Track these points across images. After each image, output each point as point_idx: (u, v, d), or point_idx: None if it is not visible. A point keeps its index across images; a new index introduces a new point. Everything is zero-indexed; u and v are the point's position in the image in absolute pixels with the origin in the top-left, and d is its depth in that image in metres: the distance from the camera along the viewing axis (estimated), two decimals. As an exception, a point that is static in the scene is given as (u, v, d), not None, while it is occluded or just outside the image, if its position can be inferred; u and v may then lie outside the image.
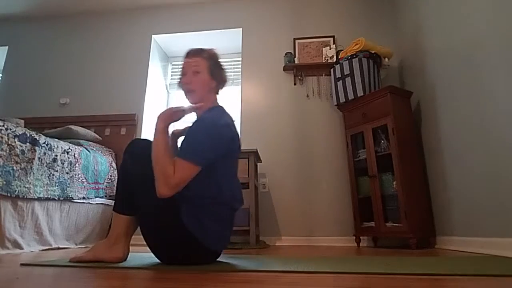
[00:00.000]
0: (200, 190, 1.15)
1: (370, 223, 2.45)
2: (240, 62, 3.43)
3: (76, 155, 2.34)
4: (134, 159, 1.20)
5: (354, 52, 2.74)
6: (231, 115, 1.32)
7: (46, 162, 2.04)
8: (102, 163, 2.71)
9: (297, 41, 3.30)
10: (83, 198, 2.38)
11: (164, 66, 3.85)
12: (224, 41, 3.64)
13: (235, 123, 1.30)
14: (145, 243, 1.19)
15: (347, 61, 2.75)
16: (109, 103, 3.41)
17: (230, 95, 3.65)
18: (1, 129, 1.77)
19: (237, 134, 1.29)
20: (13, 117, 2.54)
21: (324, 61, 3.14)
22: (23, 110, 3.46)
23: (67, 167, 2.23)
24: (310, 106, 3.11)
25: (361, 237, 2.58)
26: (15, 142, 1.84)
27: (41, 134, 2.08)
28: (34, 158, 1.94)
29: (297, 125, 3.07)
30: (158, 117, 1.18)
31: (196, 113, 1.33)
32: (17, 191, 1.81)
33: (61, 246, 2.16)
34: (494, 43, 1.61)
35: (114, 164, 2.93)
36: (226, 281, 0.85)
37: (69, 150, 2.29)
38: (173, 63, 3.95)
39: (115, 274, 0.98)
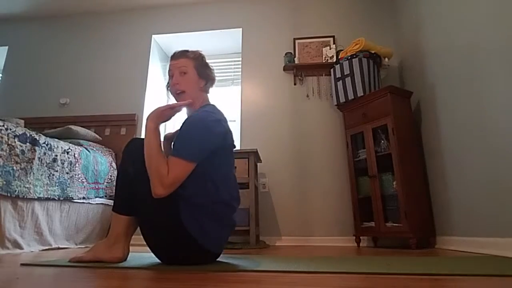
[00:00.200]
0: (197, 189, 1.15)
1: (370, 223, 2.45)
2: (240, 62, 3.43)
3: (76, 155, 2.34)
4: (133, 159, 1.20)
5: (354, 52, 2.74)
6: (223, 112, 1.32)
7: (46, 162, 2.04)
8: (102, 163, 2.71)
9: (297, 41, 3.30)
10: (83, 198, 2.38)
11: (164, 66, 3.85)
12: (224, 41, 3.64)
13: (227, 120, 1.30)
14: (145, 243, 1.19)
15: (347, 61, 2.75)
16: (109, 103, 3.41)
17: (230, 95, 3.65)
18: (1, 129, 1.77)
19: (230, 130, 1.29)
20: (13, 117, 2.54)
21: (324, 61, 3.14)
22: (23, 110, 3.46)
23: (67, 167, 2.23)
24: (310, 106, 3.11)
25: (361, 237, 2.58)
26: (15, 142, 1.84)
27: (41, 134, 2.08)
28: (34, 158, 1.94)
29: (297, 125, 3.07)
30: (148, 118, 1.18)
31: (187, 112, 1.33)
32: (17, 191, 1.81)
33: (61, 246, 2.16)
34: (494, 43, 1.61)
35: (114, 164, 2.93)
36: (226, 281, 0.85)
37: (69, 150, 2.29)
38: (173, 63, 3.94)
39: (115, 274, 0.97)
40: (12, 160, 1.81)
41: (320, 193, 2.86)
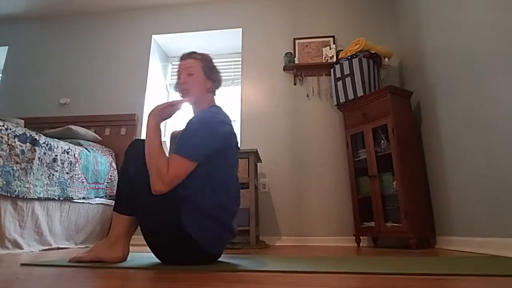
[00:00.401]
0: (197, 189, 1.15)
1: (370, 223, 2.45)
2: (240, 62, 3.43)
3: (76, 155, 2.34)
4: (135, 160, 1.20)
5: (354, 52, 2.74)
6: (229, 114, 1.33)
7: (46, 162, 2.04)
8: (102, 163, 2.71)
9: (297, 41, 3.30)
10: (83, 198, 2.38)
11: (164, 66, 3.86)
12: (224, 41, 3.64)
13: (231, 121, 1.30)
14: (145, 243, 1.19)
15: (347, 61, 2.75)
16: (109, 103, 3.41)
17: (230, 95, 3.65)
18: (1, 129, 1.77)
19: (234, 132, 1.29)
20: (13, 117, 2.54)
21: (324, 61, 3.14)
22: (23, 110, 3.46)
23: (67, 167, 2.23)
24: (310, 106, 3.11)
25: (361, 237, 2.58)
26: (15, 142, 1.84)
27: (41, 134, 2.08)
28: (34, 158, 1.94)
29: (297, 125, 3.07)
30: (149, 115, 1.19)
31: (194, 112, 1.34)
32: (17, 191, 1.81)
33: (61, 246, 2.16)
34: (494, 42, 1.61)
35: (114, 164, 2.93)
36: (226, 281, 0.85)
37: (69, 150, 2.29)
38: (173, 63, 3.95)
39: (115, 274, 0.98)
40: (12, 160, 1.81)
41: (320, 193, 2.86)
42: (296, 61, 3.20)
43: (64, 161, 2.21)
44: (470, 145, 1.85)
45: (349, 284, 0.82)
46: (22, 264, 1.20)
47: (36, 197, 1.94)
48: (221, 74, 1.42)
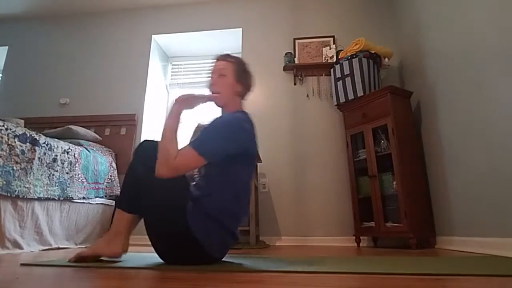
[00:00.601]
0: (210, 191, 1.16)
1: (370, 223, 2.45)
2: (240, 62, 3.42)
3: (76, 155, 2.34)
4: (144, 160, 1.20)
5: (354, 52, 2.74)
6: (253, 122, 1.31)
7: (46, 162, 2.04)
8: (102, 163, 2.71)
9: (297, 41, 3.30)
10: (83, 198, 2.39)
11: (164, 66, 3.86)
12: (224, 41, 3.64)
13: (255, 130, 1.29)
14: (145, 243, 1.19)
15: (347, 61, 2.75)
16: (109, 103, 3.41)
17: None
18: (1, 129, 1.77)
19: (255, 140, 1.28)
20: (13, 117, 2.54)
21: (324, 61, 3.14)
22: (23, 110, 3.46)
23: (67, 167, 2.23)
24: (310, 106, 3.11)
25: (361, 237, 2.58)
26: (15, 142, 1.84)
27: (41, 134, 2.08)
28: (34, 158, 1.94)
29: (297, 125, 3.07)
30: (175, 100, 1.20)
31: (221, 113, 1.35)
32: (17, 191, 1.81)
33: (61, 246, 2.16)
34: (494, 42, 1.61)
35: (114, 164, 2.93)
36: (226, 281, 0.85)
37: (69, 150, 2.29)
38: (173, 63, 3.95)
39: (115, 274, 0.97)
40: (12, 160, 1.81)
41: (320, 193, 2.86)
42: (296, 61, 3.20)
43: (64, 161, 2.21)
44: (470, 145, 1.85)
45: (349, 284, 0.82)
46: (22, 264, 1.20)
47: (36, 197, 1.94)
48: (252, 80, 1.41)
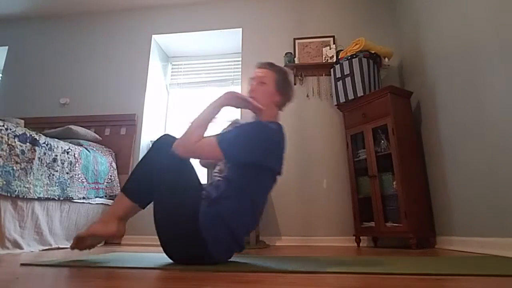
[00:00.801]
0: (228, 198, 1.16)
1: (370, 223, 2.45)
2: (240, 62, 3.43)
3: (76, 155, 2.34)
4: (160, 154, 1.20)
5: (354, 52, 2.74)
6: (285, 136, 1.30)
7: (46, 162, 2.04)
8: (102, 163, 2.71)
9: (297, 41, 3.30)
10: (83, 198, 2.39)
11: (164, 66, 3.86)
12: (224, 41, 3.64)
13: (285, 146, 1.28)
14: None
15: (347, 61, 2.75)
16: (109, 103, 3.41)
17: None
18: (1, 129, 1.77)
19: (282, 157, 1.27)
20: (13, 117, 2.54)
21: (324, 61, 3.14)
22: (23, 110, 3.46)
23: (67, 167, 2.23)
24: (310, 106, 3.11)
25: (361, 237, 2.58)
26: (15, 142, 1.84)
27: (41, 134, 2.08)
28: (34, 158, 1.94)
29: (297, 125, 3.07)
30: (224, 94, 1.23)
31: (256, 119, 1.34)
32: (17, 191, 1.81)
33: (61, 246, 2.16)
34: (494, 43, 1.61)
35: (114, 164, 2.94)
36: (226, 281, 0.85)
37: (69, 150, 2.29)
38: (173, 63, 3.95)
39: (115, 274, 0.98)
40: (12, 160, 1.81)
41: (320, 193, 2.86)
42: (296, 61, 3.20)
43: (64, 161, 2.21)
44: (470, 145, 1.85)
45: (349, 284, 0.82)
46: (22, 264, 1.20)
47: (36, 197, 1.94)
48: (293, 92, 1.40)
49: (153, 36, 3.62)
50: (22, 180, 1.86)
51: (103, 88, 3.50)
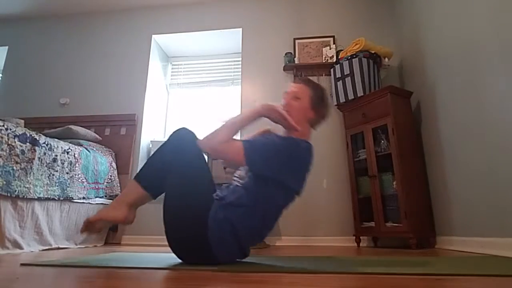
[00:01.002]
0: (242, 207, 1.14)
1: (370, 223, 2.45)
2: (240, 62, 3.43)
3: (76, 155, 2.34)
4: (175, 148, 1.20)
5: (354, 52, 2.74)
6: (313, 157, 1.27)
7: (46, 162, 2.04)
8: (102, 163, 2.71)
9: (297, 41, 3.30)
10: (83, 198, 2.38)
11: (164, 66, 3.86)
12: (224, 41, 3.65)
13: (310, 168, 1.26)
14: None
15: (347, 61, 2.75)
16: (109, 103, 3.41)
17: (230, 95, 3.65)
18: (1, 129, 1.77)
19: (305, 179, 1.24)
20: (13, 117, 2.54)
21: (324, 61, 3.14)
22: (23, 110, 3.46)
23: (67, 167, 2.23)
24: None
25: (361, 237, 2.58)
26: (15, 142, 1.84)
27: (41, 134, 2.08)
28: (34, 158, 1.94)
29: (297, 125, 3.06)
30: (264, 105, 1.22)
31: (286, 132, 1.30)
32: (17, 191, 1.81)
33: (61, 246, 2.16)
34: (493, 43, 1.61)
35: (114, 164, 2.94)
36: (226, 281, 0.85)
37: (69, 150, 2.29)
38: (173, 63, 3.95)
39: (115, 274, 0.98)
40: (12, 160, 1.81)
41: (320, 193, 2.86)
42: (296, 61, 3.20)
43: (64, 161, 2.21)
44: (470, 145, 1.85)
45: (349, 284, 0.82)
46: (22, 264, 1.20)
47: (36, 197, 1.94)
48: (329, 111, 1.35)
49: (153, 36, 3.62)
50: (22, 180, 1.86)
51: (103, 88, 3.50)
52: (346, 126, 2.77)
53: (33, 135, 1.97)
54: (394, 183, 2.33)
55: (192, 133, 1.24)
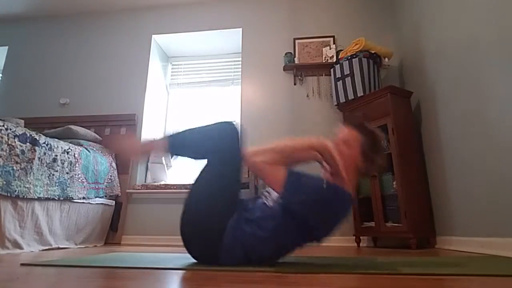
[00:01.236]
0: (261, 231, 1.12)
1: (370, 223, 2.45)
2: (240, 62, 3.43)
3: (76, 155, 2.34)
4: (216, 141, 1.18)
5: (354, 52, 2.74)
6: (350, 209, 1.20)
7: (46, 162, 2.04)
8: (102, 163, 2.71)
9: (297, 41, 3.30)
10: (83, 198, 2.38)
11: (164, 66, 3.85)
12: (224, 41, 3.65)
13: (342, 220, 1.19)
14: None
15: (347, 61, 2.75)
16: (109, 103, 3.41)
17: (230, 95, 3.65)
18: (1, 129, 1.77)
19: (334, 229, 1.17)
20: (13, 117, 2.54)
21: (324, 61, 3.14)
22: (23, 110, 3.46)
23: (67, 167, 2.23)
24: (310, 106, 3.11)
25: (361, 237, 2.58)
26: (15, 142, 1.84)
27: (41, 134, 2.08)
28: (34, 158, 1.94)
29: (297, 125, 3.07)
30: (321, 141, 1.13)
31: (324, 174, 1.22)
32: (17, 191, 1.81)
33: (61, 246, 2.16)
34: (494, 42, 1.61)
35: (114, 164, 2.93)
36: (226, 281, 0.85)
37: (69, 150, 2.28)
38: (173, 63, 3.95)
39: (115, 274, 0.98)
40: (12, 160, 1.81)
41: (320, 193, 2.85)
42: (296, 61, 3.20)
43: (64, 161, 2.21)
44: (470, 145, 1.85)
45: (349, 284, 0.82)
46: (22, 264, 1.20)
47: (36, 197, 1.94)
48: (382, 160, 1.23)
49: (153, 36, 3.62)
50: (22, 180, 1.86)
51: (103, 88, 3.50)
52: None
53: (33, 135, 1.97)
54: (394, 183, 2.33)
55: (240, 135, 1.20)
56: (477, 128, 1.77)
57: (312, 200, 1.09)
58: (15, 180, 1.81)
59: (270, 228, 1.12)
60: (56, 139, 2.25)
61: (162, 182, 3.16)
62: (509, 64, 1.49)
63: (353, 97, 2.67)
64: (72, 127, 2.78)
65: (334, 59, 3.08)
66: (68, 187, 2.22)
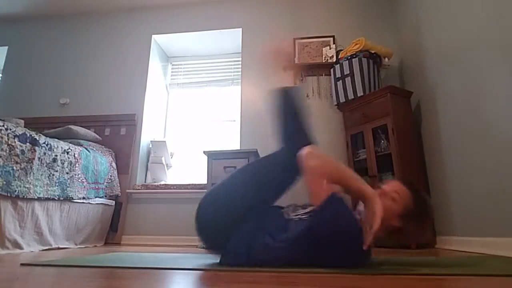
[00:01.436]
0: (277, 243, 1.11)
1: (370, 223, 2.45)
2: (240, 62, 3.43)
3: (76, 155, 2.34)
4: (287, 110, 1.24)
5: (354, 52, 2.74)
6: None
7: (46, 162, 2.04)
8: (102, 163, 2.71)
9: (297, 41, 3.30)
10: (83, 198, 2.39)
11: (164, 66, 3.85)
12: (224, 41, 3.64)
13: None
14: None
15: (347, 61, 2.75)
16: (109, 103, 3.42)
17: (230, 95, 3.65)
18: (1, 129, 1.77)
19: (323, 261, 1.11)
20: (13, 117, 2.54)
21: (324, 61, 3.14)
22: (23, 110, 3.46)
23: (67, 167, 2.23)
24: (310, 106, 3.11)
25: (361, 237, 2.57)
26: (15, 142, 1.84)
27: (41, 134, 2.08)
28: (34, 158, 1.94)
29: (297, 125, 3.07)
30: (376, 197, 1.05)
31: (359, 212, 1.17)
32: (17, 191, 1.81)
33: (61, 246, 2.16)
34: (494, 42, 1.61)
35: (114, 164, 2.93)
36: (226, 281, 0.85)
37: (69, 150, 2.29)
38: (173, 63, 3.95)
39: (115, 274, 0.98)
40: (12, 160, 1.81)
41: (320, 193, 2.85)
42: (296, 61, 3.20)
43: (64, 161, 2.21)
44: (470, 145, 1.85)
45: (349, 284, 0.82)
46: (22, 264, 1.20)
47: (36, 197, 1.94)
48: (424, 233, 1.23)
49: (153, 36, 3.62)
50: (22, 180, 1.86)
51: (103, 88, 3.50)
52: (346, 126, 2.77)
53: (33, 135, 1.97)
54: (394, 183, 2.33)
55: (305, 125, 1.28)
56: (477, 128, 1.77)
57: (338, 232, 1.04)
58: (15, 180, 1.81)
59: (283, 239, 1.10)
60: (56, 139, 2.25)
61: (162, 182, 3.16)
62: (509, 64, 1.49)
63: (353, 97, 2.67)
64: (72, 127, 2.78)
65: (334, 59, 3.08)
66: (68, 187, 2.22)
